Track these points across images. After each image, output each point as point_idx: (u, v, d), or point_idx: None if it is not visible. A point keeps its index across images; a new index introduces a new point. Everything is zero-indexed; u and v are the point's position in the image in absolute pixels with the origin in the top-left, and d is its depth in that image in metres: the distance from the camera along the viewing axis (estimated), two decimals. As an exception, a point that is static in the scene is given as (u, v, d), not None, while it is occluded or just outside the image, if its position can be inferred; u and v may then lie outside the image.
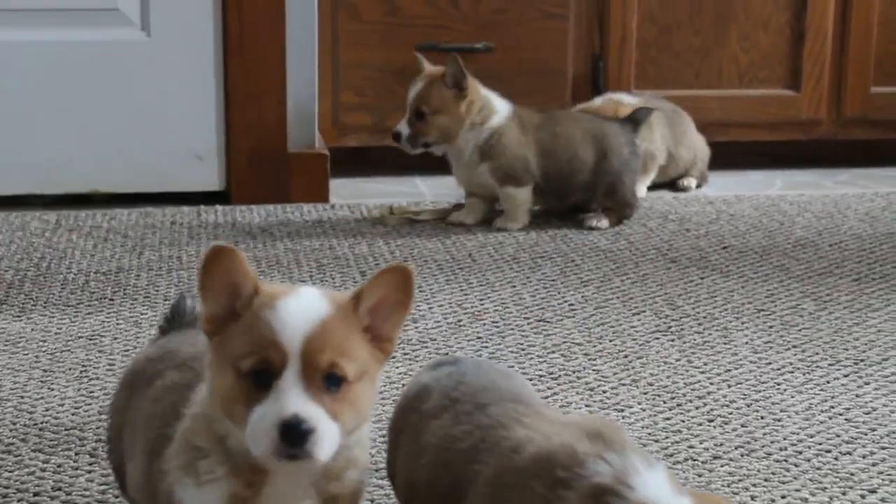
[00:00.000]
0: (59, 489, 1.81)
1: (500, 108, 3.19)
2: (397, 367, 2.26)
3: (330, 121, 3.64)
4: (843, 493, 1.84)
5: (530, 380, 2.21)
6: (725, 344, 2.41)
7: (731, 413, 2.11)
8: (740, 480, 1.87)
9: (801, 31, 3.79)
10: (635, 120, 3.27)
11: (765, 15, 3.78)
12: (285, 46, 3.34)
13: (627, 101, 3.53)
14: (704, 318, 2.55)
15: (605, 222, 3.19)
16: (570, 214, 3.26)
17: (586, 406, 2.12)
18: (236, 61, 3.33)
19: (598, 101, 3.55)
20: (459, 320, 2.52)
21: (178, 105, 3.34)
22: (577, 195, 3.23)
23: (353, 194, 3.52)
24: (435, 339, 2.41)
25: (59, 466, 1.87)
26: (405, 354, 2.33)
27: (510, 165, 3.16)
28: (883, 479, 1.88)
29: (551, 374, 2.25)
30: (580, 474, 1.29)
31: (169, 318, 1.68)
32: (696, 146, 3.65)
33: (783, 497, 1.82)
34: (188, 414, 1.40)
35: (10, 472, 1.85)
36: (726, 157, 3.73)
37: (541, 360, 2.32)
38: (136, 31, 3.33)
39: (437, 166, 3.43)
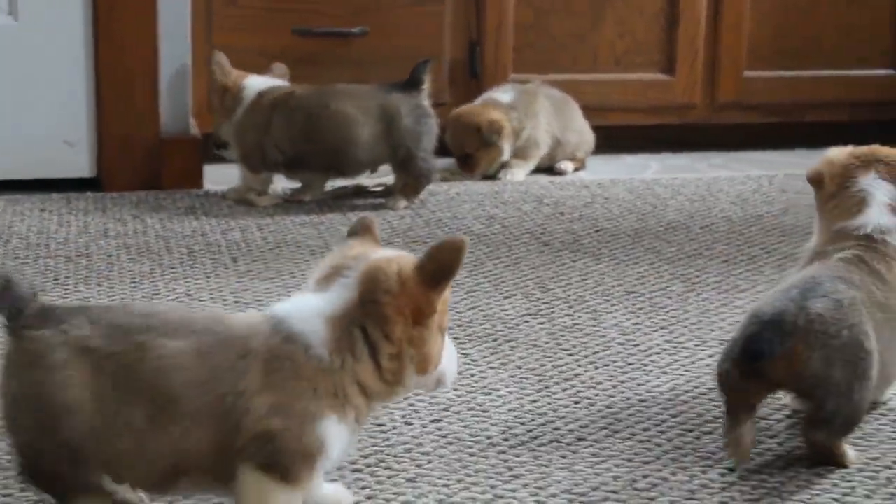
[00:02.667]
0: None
1: (247, 95, 3.20)
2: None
3: (205, 106, 3.60)
4: (703, 472, 1.86)
5: (398, 364, 2.21)
6: (594, 326, 2.43)
7: (597, 395, 2.12)
8: (603, 462, 1.88)
9: (675, 17, 3.83)
10: (415, 80, 3.17)
11: (640, 0, 3.81)
12: (157, 31, 3.30)
13: (506, 98, 3.55)
14: (575, 300, 2.57)
15: (402, 202, 3.20)
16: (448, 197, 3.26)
17: (454, 390, 2.12)
18: (106, 46, 3.28)
19: (477, 103, 3.57)
20: (330, 306, 2.50)
21: (47, 91, 3.28)
22: (361, 170, 3.23)
23: (228, 180, 3.49)
24: (304, 325, 2.39)
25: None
26: (274, 341, 2.31)
27: (241, 152, 3.20)
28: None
29: (420, 358, 2.25)
30: None
31: (14, 315, 1.56)
32: (584, 131, 3.69)
33: (645, 477, 1.84)
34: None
35: None
36: (603, 140, 3.75)
37: (410, 344, 2.31)
38: (3, 16, 3.27)
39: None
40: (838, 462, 1.86)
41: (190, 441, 1.52)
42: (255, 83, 3.23)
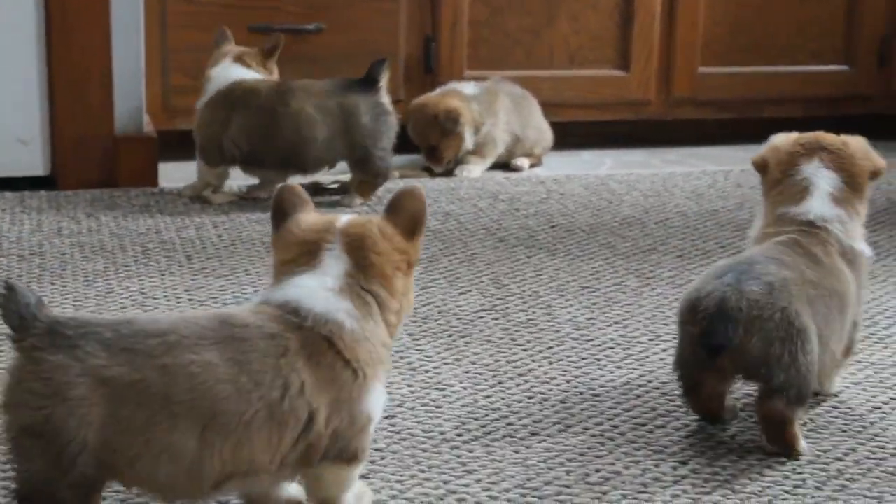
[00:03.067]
0: None
1: (210, 88, 3.20)
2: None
3: (160, 104, 3.59)
4: (656, 466, 1.87)
5: (353, 361, 2.21)
6: (549, 321, 2.43)
7: (550, 390, 2.13)
8: (556, 456, 1.89)
9: (629, 13, 3.84)
10: (372, 78, 3.16)
11: (594, -4, 3.82)
12: (110, 29, 3.28)
13: (468, 91, 3.56)
14: (530, 296, 2.57)
15: (357, 200, 3.21)
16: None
17: (408, 386, 2.12)
18: (60, 44, 3.26)
19: (437, 92, 3.58)
20: (285, 303, 2.50)
21: (0, 89, 3.26)
22: (319, 168, 3.22)
23: (184, 178, 3.47)
24: (259, 323, 2.39)
25: None
26: (228, 338, 2.31)
27: (200, 144, 3.21)
28: (695, 451, 1.91)
29: (374, 354, 2.25)
30: None
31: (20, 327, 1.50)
32: (542, 129, 3.70)
33: (597, 471, 1.85)
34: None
35: None
36: (558, 136, 3.76)
37: (365, 341, 2.31)
38: (-45, 14, 3.24)
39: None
40: (790, 441, 1.89)
41: (248, 449, 1.52)
42: (219, 78, 3.21)
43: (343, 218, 1.65)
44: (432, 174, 3.57)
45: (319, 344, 1.56)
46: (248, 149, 3.17)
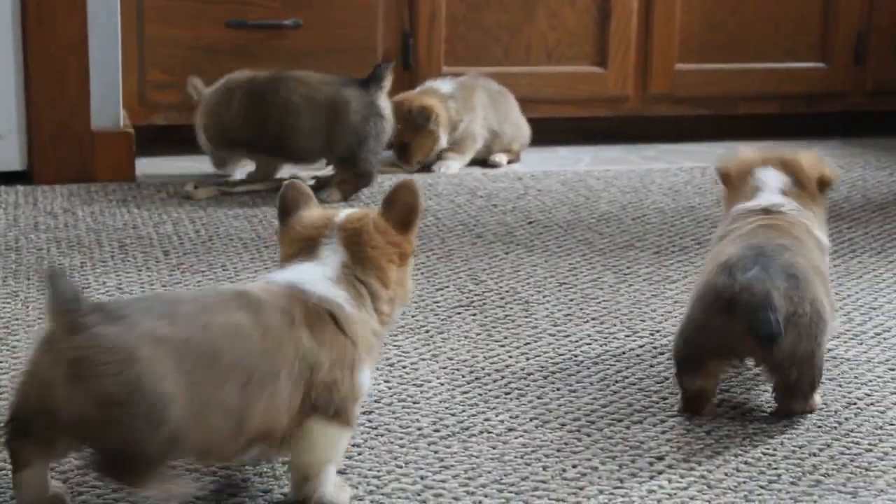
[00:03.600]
0: None
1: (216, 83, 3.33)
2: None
3: (137, 99, 3.58)
4: (633, 461, 1.88)
5: (330, 357, 2.21)
6: (526, 317, 2.44)
7: (528, 385, 2.13)
8: (533, 451, 1.90)
9: (607, 9, 3.84)
10: (374, 78, 3.20)
11: (571, -8, 3.83)
12: (87, 22, 3.27)
13: (445, 89, 3.55)
14: (507, 292, 2.58)
15: (335, 195, 3.21)
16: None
17: (385, 382, 2.12)
18: (36, 38, 3.24)
19: (416, 91, 3.58)
20: (262, 298, 2.50)
21: (-24, 83, 3.25)
22: (308, 159, 3.28)
23: (162, 173, 3.47)
24: (236, 318, 2.39)
25: None
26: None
27: (207, 130, 3.33)
28: (671, 447, 1.92)
29: (352, 350, 2.25)
30: None
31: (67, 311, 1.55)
32: (520, 125, 3.70)
33: (574, 467, 1.85)
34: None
35: None
36: (536, 133, 3.76)
37: (342, 336, 2.32)
38: (-69, 7, 3.23)
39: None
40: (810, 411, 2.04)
41: (278, 401, 1.64)
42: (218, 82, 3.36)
43: (341, 213, 1.76)
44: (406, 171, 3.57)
45: (322, 317, 1.69)
46: (241, 134, 3.26)
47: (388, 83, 3.21)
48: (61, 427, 1.56)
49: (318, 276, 1.72)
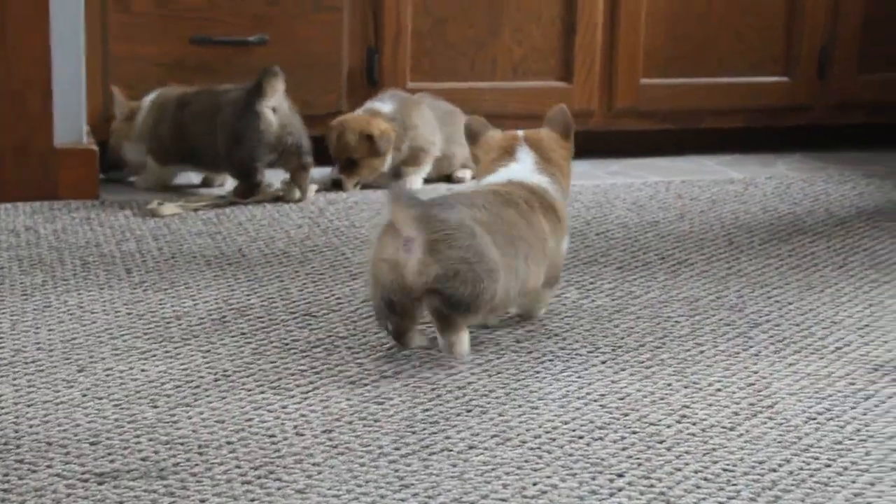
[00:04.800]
0: None
1: (143, 104, 3.48)
2: (157, 366, 2.23)
3: (101, 116, 3.57)
4: (593, 479, 1.88)
5: (291, 375, 2.21)
6: (488, 333, 2.44)
7: (489, 402, 2.13)
8: (493, 469, 1.89)
9: (572, 24, 3.85)
10: (258, 83, 3.30)
11: (536, 8, 3.83)
12: (49, 39, 3.26)
13: (386, 109, 3.53)
14: (470, 308, 2.57)
15: (232, 197, 3.35)
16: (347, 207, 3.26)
17: (346, 400, 2.12)
18: (-2, 55, 3.24)
19: (358, 112, 3.55)
20: (224, 316, 2.49)
21: (-63, 100, 3.24)
22: (220, 166, 3.43)
23: (125, 190, 3.46)
24: (198, 336, 2.38)
25: None
26: (166, 352, 2.30)
27: (147, 148, 3.48)
28: (631, 464, 1.92)
29: (313, 368, 2.25)
30: None
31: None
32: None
33: (534, 484, 1.85)
34: None
35: None
36: (501, 148, 3.76)
37: (304, 354, 2.31)
38: None
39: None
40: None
41: (537, 269, 2.38)
42: (149, 97, 3.50)
43: (518, 132, 2.51)
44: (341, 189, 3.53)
45: (545, 203, 2.43)
46: (172, 147, 3.43)
47: (272, 87, 3.29)
48: (416, 294, 2.21)
49: (527, 170, 2.46)
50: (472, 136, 2.52)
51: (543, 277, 2.41)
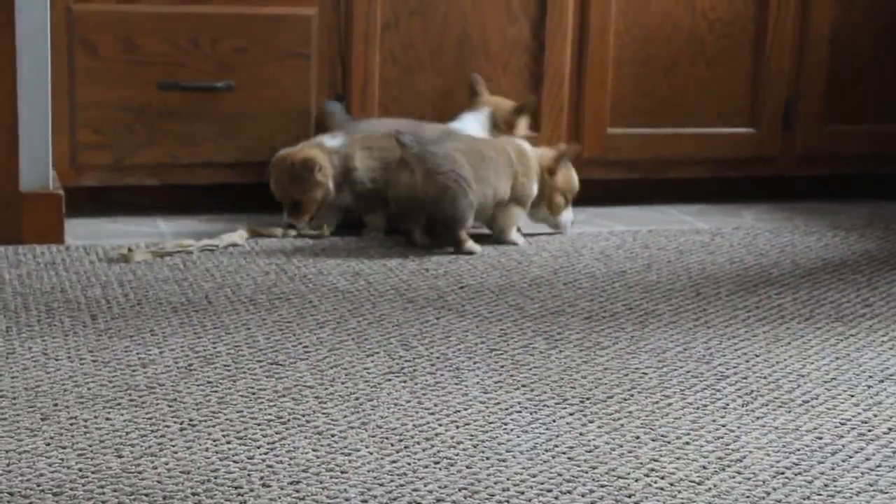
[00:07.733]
0: None
1: None
2: (122, 415, 2.21)
3: (68, 161, 3.55)
4: (562, 533, 1.87)
5: (258, 425, 2.19)
6: (457, 384, 2.43)
7: (457, 454, 2.12)
8: (462, 522, 1.88)
9: (539, 74, 3.87)
10: None
11: (504, 57, 3.85)
12: (16, 84, 3.25)
13: (331, 143, 3.50)
14: (437, 358, 2.57)
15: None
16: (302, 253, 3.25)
17: (313, 451, 2.10)
18: (-36, 98, 3.22)
19: (301, 145, 3.51)
20: (190, 364, 2.48)
21: None
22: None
23: (92, 235, 3.44)
24: (164, 385, 2.36)
25: None
26: (131, 401, 2.28)
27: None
28: (600, 517, 1.92)
29: (280, 418, 2.23)
30: None
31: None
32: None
33: (503, 538, 1.84)
34: None
35: None
36: (468, 196, 3.76)
37: (271, 404, 2.30)
38: None
39: (178, 207, 3.39)
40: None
41: (505, 184, 3.40)
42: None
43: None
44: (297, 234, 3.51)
45: (519, 150, 3.47)
46: None
47: None
48: (422, 206, 3.30)
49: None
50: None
51: (510, 193, 3.41)
